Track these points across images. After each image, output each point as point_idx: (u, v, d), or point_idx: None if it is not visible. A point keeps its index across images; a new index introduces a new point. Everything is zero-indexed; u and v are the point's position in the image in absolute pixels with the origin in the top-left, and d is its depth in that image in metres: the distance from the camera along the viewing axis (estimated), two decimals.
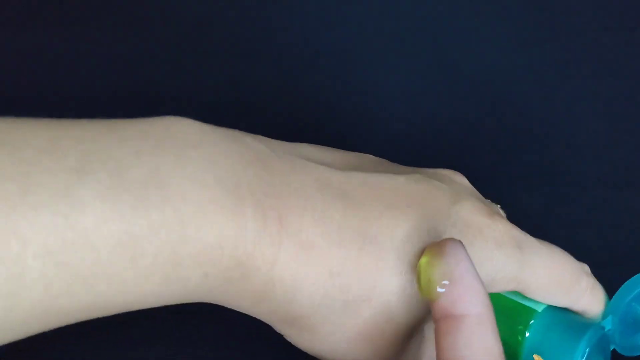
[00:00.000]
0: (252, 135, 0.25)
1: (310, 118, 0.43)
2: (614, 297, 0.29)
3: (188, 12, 0.45)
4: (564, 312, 0.29)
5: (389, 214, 0.24)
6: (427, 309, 0.25)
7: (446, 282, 0.22)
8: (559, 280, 0.28)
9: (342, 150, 0.29)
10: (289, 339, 0.26)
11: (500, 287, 0.27)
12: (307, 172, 0.24)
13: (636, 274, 0.30)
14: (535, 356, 0.27)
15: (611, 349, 0.30)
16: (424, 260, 0.23)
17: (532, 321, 0.28)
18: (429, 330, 0.28)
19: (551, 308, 0.28)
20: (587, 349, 0.27)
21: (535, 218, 0.38)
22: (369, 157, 0.29)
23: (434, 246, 0.23)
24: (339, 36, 0.45)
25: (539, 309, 0.28)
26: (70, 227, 0.19)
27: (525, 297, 0.28)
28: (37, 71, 0.43)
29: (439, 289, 0.22)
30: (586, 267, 0.30)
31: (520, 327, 0.28)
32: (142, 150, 0.21)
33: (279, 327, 0.26)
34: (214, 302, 0.24)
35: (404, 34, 0.45)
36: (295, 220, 0.23)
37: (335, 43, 0.45)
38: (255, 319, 0.25)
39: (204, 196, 0.21)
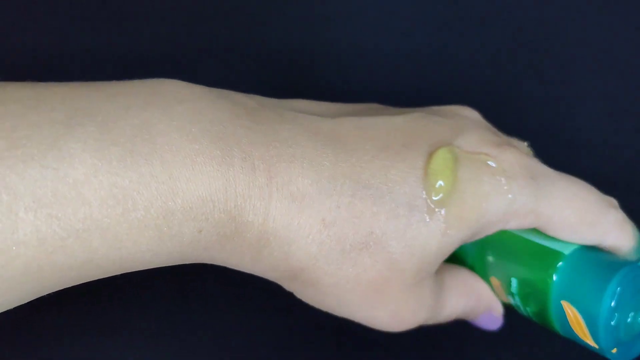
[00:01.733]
0: (243, 93, 0.25)
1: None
2: None
3: (188, 11, 0.46)
4: (595, 252, 0.26)
5: (382, 155, 0.24)
6: (438, 254, 0.24)
7: None
8: (581, 212, 0.25)
9: (342, 103, 0.28)
10: (298, 296, 0.25)
11: (516, 223, 0.25)
12: (297, 122, 0.24)
13: None
14: (563, 302, 0.25)
15: None
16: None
17: (560, 264, 0.25)
18: (450, 278, 0.27)
19: (580, 250, 0.26)
20: (619, 289, 0.24)
21: None
22: (370, 105, 0.28)
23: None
24: (339, 36, 0.45)
25: (566, 251, 0.26)
26: (60, 179, 0.19)
27: (552, 239, 0.26)
28: (37, 71, 0.43)
29: None
30: (614, 201, 0.27)
31: (548, 270, 0.26)
32: (131, 105, 0.21)
33: (285, 284, 0.25)
34: (215, 263, 0.24)
35: (403, 32, 0.45)
36: (284, 170, 0.22)
37: (335, 43, 0.45)
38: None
39: (191, 147, 0.21)
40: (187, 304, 0.37)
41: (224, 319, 0.36)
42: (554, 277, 0.25)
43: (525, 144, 0.29)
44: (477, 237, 0.25)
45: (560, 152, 0.39)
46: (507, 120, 0.43)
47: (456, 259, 0.29)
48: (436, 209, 0.24)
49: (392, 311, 0.25)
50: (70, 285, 0.21)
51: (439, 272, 0.26)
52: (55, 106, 0.20)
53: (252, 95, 0.25)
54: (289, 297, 0.26)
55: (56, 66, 0.43)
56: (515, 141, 0.28)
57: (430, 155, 0.24)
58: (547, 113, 0.42)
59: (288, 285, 0.25)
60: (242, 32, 0.44)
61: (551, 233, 0.26)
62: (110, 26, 0.44)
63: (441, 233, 0.24)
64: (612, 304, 0.24)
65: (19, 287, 0.20)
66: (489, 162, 0.25)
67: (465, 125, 0.26)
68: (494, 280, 0.28)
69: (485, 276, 0.28)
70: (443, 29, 0.45)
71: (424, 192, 0.24)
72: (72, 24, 0.44)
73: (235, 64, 0.44)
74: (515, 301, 0.27)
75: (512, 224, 0.25)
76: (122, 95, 0.21)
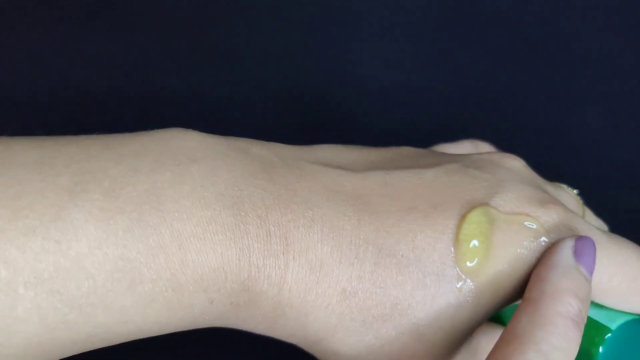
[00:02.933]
0: (261, 142, 0.23)
1: (310, 118, 0.42)
2: None
3: (187, 11, 0.45)
4: None
5: (409, 218, 0.22)
6: (469, 326, 0.23)
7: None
8: (631, 280, 0.23)
9: (371, 148, 0.25)
10: (318, 358, 0.24)
11: None
12: (317, 178, 0.22)
13: None
14: None
15: None
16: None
17: (607, 336, 0.23)
18: (486, 343, 0.25)
19: (627, 324, 0.24)
20: None
21: None
22: (405, 150, 0.26)
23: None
24: (339, 35, 0.44)
25: (613, 325, 0.24)
26: (62, 253, 0.18)
27: (596, 308, 0.24)
28: (35, 71, 0.42)
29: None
30: None
31: (591, 344, 0.24)
32: (139, 168, 0.20)
33: (303, 347, 0.24)
34: (227, 327, 0.22)
35: (404, 33, 0.44)
36: (302, 236, 0.21)
37: (335, 42, 0.44)
38: None
39: (203, 214, 0.20)
40: None
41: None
42: (599, 352, 0.24)
43: (575, 192, 0.27)
44: (516, 302, 0.23)
45: (560, 152, 0.39)
46: (507, 120, 0.42)
47: (494, 316, 0.27)
48: (467, 279, 0.22)
49: None
50: (74, 354, 0.20)
51: (474, 334, 0.24)
52: (61, 170, 0.19)
53: (271, 145, 0.23)
54: None
55: (57, 67, 0.41)
56: (564, 190, 0.26)
57: (462, 217, 0.22)
58: (547, 113, 0.41)
59: (306, 349, 0.24)
60: (244, 35, 0.43)
61: (599, 300, 0.24)
62: (112, 27, 0.43)
63: (473, 305, 0.22)
64: None
65: None
66: (527, 224, 0.23)
67: (505, 180, 0.23)
68: None
69: None
70: (444, 32, 0.44)
71: (454, 260, 0.22)
72: (72, 24, 0.43)
73: (235, 66, 0.43)
74: None
75: None
76: (131, 156, 0.20)
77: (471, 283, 0.22)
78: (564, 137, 0.40)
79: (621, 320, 0.24)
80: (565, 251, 0.22)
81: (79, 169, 0.19)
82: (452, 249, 0.22)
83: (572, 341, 0.20)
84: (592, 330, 0.24)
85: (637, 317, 0.24)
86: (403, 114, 0.43)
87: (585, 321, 0.21)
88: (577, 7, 0.44)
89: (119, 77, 0.42)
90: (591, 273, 0.22)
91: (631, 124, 0.41)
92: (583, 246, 0.22)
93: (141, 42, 0.44)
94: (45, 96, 0.42)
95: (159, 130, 0.22)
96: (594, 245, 0.22)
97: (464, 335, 0.23)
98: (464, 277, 0.22)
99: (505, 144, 0.40)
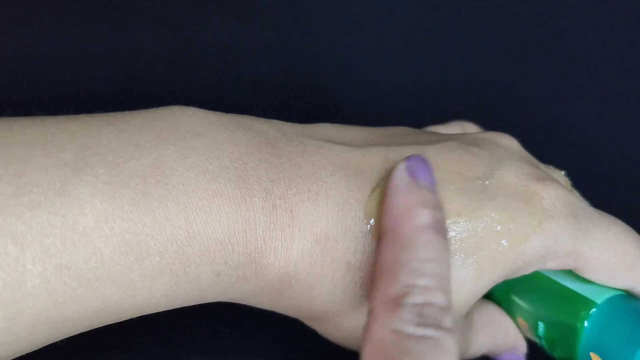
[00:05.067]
0: (263, 119, 0.23)
1: (310, 117, 0.42)
2: None
3: (187, 10, 0.45)
4: (629, 301, 0.24)
5: None
6: (470, 298, 0.23)
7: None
8: (620, 256, 0.23)
9: (369, 127, 0.26)
10: (320, 333, 0.24)
11: (554, 264, 0.23)
12: (321, 153, 0.22)
13: None
14: (592, 355, 0.23)
15: None
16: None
17: (592, 311, 0.24)
18: (478, 317, 0.26)
19: (613, 299, 0.24)
20: None
21: None
22: (402, 130, 0.26)
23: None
24: (339, 35, 0.44)
25: (598, 299, 0.24)
26: (69, 227, 0.18)
27: (583, 284, 0.25)
28: (34, 71, 0.42)
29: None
30: None
31: (578, 318, 0.24)
32: (143, 142, 0.20)
33: (306, 322, 0.24)
34: (231, 301, 0.22)
35: (404, 32, 0.44)
36: (307, 210, 0.21)
37: (335, 42, 0.44)
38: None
39: (208, 187, 0.20)
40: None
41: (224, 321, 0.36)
42: (585, 326, 0.24)
43: (563, 173, 0.27)
44: (513, 277, 0.24)
45: (560, 152, 0.39)
46: (507, 120, 0.42)
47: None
48: (470, 252, 0.22)
49: None
50: (83, 331, 0.20)
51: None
52: (63, 146, 0.19)
53: (273, 122, 0.23)
54: None
55: (57, 66, 0.41)
56: (552, 171, 0.27)
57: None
58: (547, 113, 0.41)
59: (309, 324, 0.24)
60: (243, 33, 0.43)
61: (587, 275, 0.24)
62: (111, 26, 0.43)
63: (474, 277, 0.22)
64: None
65: (30, 338, 0.19)
66: (530, 199, 0.23)
67: (503, 158, 0.24)
68: (521, 320, 0.26)
69: (512, 314, 0.27)
70: (443, 28, 0.44)
71: (457, 234, 0.22)
72: (72, 24, 0.43)
73: (234, 64, 0.43)
74: (541, 343, 0.26)
75: (551, 265, 0.24)
76: (133, 131, 0.20)
77: (474, 256, 0.22)
78: (563, 135, 0.40)
79: (607, 295, 0.24)
80: (399, 173, 0.22)
81: (82, 144, 0.19)
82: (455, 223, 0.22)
83: (439, 248, 0.20)
84: (579, 305, 0.24)
85: (623, 292, 0.24)
86: (402, 112, 0.43)
87: (444, 229, 0.21)
88: (577, 5, 0.44)
89: (119, 76, 0.42)
90: (431, 183, 0.22)
91: (630, 122, 0.41)
92: (414, 162, 0.22)
93: (141, 41, 0.44)
94: (45, 96, 0.42)
95: (160, 107, 0.22)
96: (424, 159, 0.22)
97: (463, 308, 0.23)
98: (467, 249, 0.22)
99: None
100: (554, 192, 0.23)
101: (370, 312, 0.19)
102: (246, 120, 0.23)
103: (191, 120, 0.21)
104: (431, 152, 0.23)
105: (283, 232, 0.21)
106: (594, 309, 0.24)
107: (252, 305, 0.23)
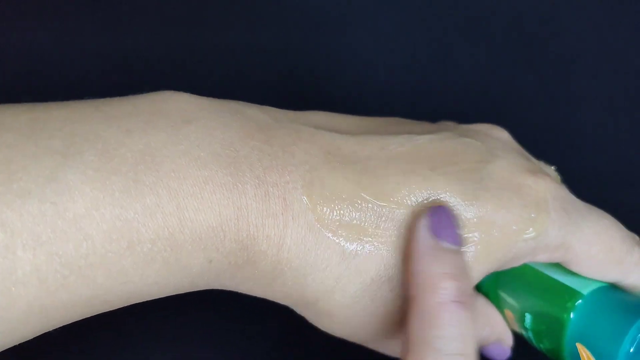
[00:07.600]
0: (256, 105, 0.23)
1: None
2: None
3: (186, 10, 0.44)
4: (613, 293, 0.24)
5: (408, 182, 0.22)
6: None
7: None
8: (608, 249, 0.24)
9: (363, 116, 0.26)
10: (310, 322, 0.24)
11: (543, 257, 0.24)
12: (314, 140, 0.22)
13: None
14: (578, 345, 0.23)
15: None
16: None
17: (578, 302, 0.24)
18: (482, 306, 0.26)
19: (599, 290, 0.24)
20: (639, 335, 0.22)
21: None
22: (395, 120, 0.26)
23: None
24: (338, 35, 0.44)
25: (585, 290, 0.24)
26: (59, 214, 0.18)
27: (570, 276, 0.25)
28: (34, 70, 0.42)
29: None
30: (637, 238, 0.25)
31: (564, 310, 0.24)
32: (133, 129, 0.20)
33: (298, 310, 0.24)
34: (223, 288, 0.22)
35: (403, 32, 0.44)
36: (301, 197, 0.21)
37: (335, 42, 0.44)
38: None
39: (200, 174, 0.20)
40: (184, 305, 0.36)
41: (223, 317, 0.36)
42: (571, 317, 0.24)
43: (553, 168, 0.27)
44: (503, 269, 0.24)
45: (560, 152, 0.39)
46: (507, 120, 0.42)
47: None
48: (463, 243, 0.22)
49: None
50: (76, 320, 0.20)
51: None
52: (53, 133, 0.19)
53: (265, 108, 0.23)
54: None
55: (56, 65, 0.41)
56: (543, 165, 0.27)
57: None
58: (547, 113, 0.41)
59: (300, 312, 0.24)
60: (243, 33, 0.43)
61: (575, 268, 0.24)
62: (111, 26, 0.43)
63: (468, 267, 0.22)
64: (631, 350, 0.22)
65: (23, 327, 0.19)
66: (522, 191, 0.23)
67: (496, 149, 0.24)
68: (508, 312, 0.26)
69: (499, 306, 0.27)
70: (443, 28, 0.44)
71: None
72: (72, 23, 0.43)
73: (234, 64, 0.43)
74: (528, 335, 0.26)
75: (540, 258, 0.24)
76: (123, 117, 0.20)
77: (466, 247, 0.22)
78: (563, 135, 0.40)
79: (593, 286, 0.24)
80: (422, 234, 0.21)
81: (71, 131, 0.19)
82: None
83: (462, 323, 0.20)
84: (565, 296, 0.24)
85: (608, 284, 0.25)
86: (402, 112, 0.42)
87: (469, 299, 0.21)
88: (577, 5, 0.43)
89: (119, 75, 0.42)
90: (456, 243, 0.22)
91: (630, 122, 0.41)
92: (437, 219, 0.22)
93: (141, 41, 0.43)
94: (45, 95, 0.41)
95: (150, 92, 0.21)
96: (447, 211, 0.22)
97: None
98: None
99: None
100: (546, 185, 0.23)
101: None
102: (239, 106, 0.22)
103: (182, 106, 0.21)
104: (425, 141, 0.23)
105: (276, 220, 0.20)
106: (580, 300, 0.24)
107: (244, 293, 0.23)
